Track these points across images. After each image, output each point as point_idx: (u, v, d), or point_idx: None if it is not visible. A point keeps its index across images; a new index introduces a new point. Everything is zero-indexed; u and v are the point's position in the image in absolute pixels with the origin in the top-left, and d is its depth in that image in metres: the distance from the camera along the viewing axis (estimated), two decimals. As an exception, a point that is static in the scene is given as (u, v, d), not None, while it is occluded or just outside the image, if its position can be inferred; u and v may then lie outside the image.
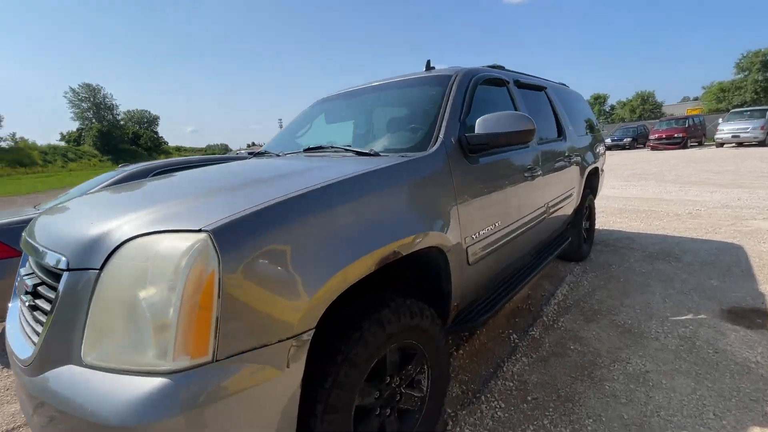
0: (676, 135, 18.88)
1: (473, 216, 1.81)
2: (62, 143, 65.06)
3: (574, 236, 3.55)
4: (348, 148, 1.85)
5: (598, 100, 56.85)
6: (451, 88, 2.01)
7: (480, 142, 1.79)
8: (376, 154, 1.71)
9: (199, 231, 0.95)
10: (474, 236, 1.81)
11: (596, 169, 3.99)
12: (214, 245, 0.93)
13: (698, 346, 2.21)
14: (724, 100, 38.89)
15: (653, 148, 19.55)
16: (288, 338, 1.00)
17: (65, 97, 68.47)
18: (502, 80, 2.46)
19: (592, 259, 3.86)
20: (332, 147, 1.96)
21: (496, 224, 2.00)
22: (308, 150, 2.07)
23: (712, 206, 5.81)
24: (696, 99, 51.65)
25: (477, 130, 1.81)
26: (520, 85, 2.71)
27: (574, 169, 3.28)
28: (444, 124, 1.82)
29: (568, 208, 3.22)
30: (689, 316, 2.56)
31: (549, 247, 2.98)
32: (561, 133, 3.19)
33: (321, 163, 1.73)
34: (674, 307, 2.70)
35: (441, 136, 1.77)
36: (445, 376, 1.67)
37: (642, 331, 2.42)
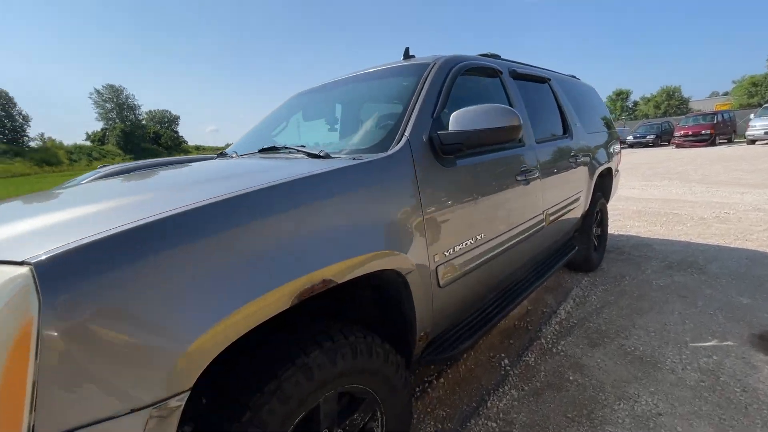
0: (703, 132, 17.90)
1: (446, 229, 1.52)
2: (88, 143, 67.42)
3: (582, 244, 3.20)
4: (299, 149, 1.59)
5: (621, 95, 54.97)
6: (426, 79, 1.72)
7: (454, 141, 1.50)
8: (327, 156, 1.45)
9: (22, 263, 0.71)
10: (447, 253, 1.53)
11: (609, 169, 3.61)
12: (35, 284, 0.68)
13: (723, 383, 1.87)
14: (756, 94, 36.91)
15: (678, 146, 18.61)
16: (145, 407, 0.75)
17: (90, 97, 70.89)
18: (493, 70, 2.16)
19: (603, 270, 3.50)
20: (285, 147, 1.70)
21: (478, 237, 1.70)
22: (263, 150, 1.82)
23: (742, 209, 5.31)
24: (726, 94, 49.24)
25: (450, 126, 1.52)
26: (516, 75, 2.40)
27: (582, 170, 2.93)
28: (411, 120, 1.53)
29: (574, 214, 2.88)
30: (713, 343, 2.20)
31: (551, 258, 2.65)
32: (566, 130, 2.85)
33: (261, 165, 1.48)
34: (695, 331, 2.34)
35: (406, 134, 1.48)
36: (405, 422, 1.40)
37: (655, 361, 2.08)
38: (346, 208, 1.16)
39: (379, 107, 1.86)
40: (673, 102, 47.42)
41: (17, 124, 57.97)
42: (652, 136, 21.78)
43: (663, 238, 4.34)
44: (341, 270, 1.09)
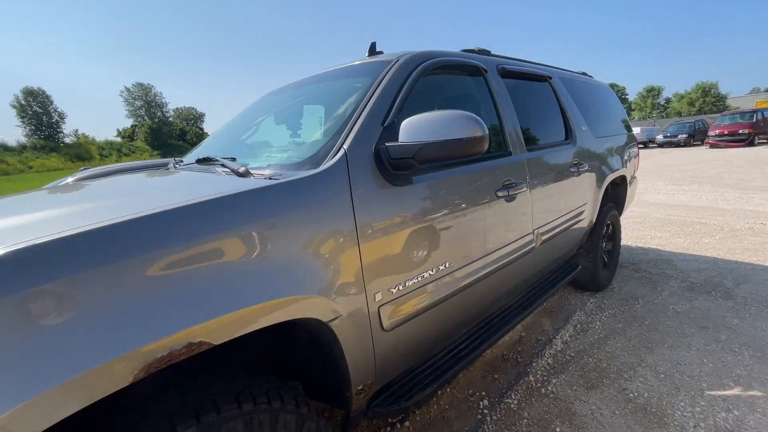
0: (740, 131, 16.71)
1: (394, 261, 1.26)
2: (118, 139, 70.08)
3: (587, 262, 2.86)
4: (225, 163, 1.36)
5: (651, 92, 52.55)
6: (383, 80, 1.46)
7: (402, 155, 1.24)
8: (246, 174, 1.21)
9: None
10: (394, 290, 1.27)
11: (623, 177, 3.24)
12: None
13: (744, 449, 1.53)
14: (802, 90, 34.41)
15: (712, 146, 17.46)
16: None
17: (121, 95, 73.62)
18: (475, 67, 1.87)
19: (613, 290, 3.14)
20: (216, 160, 1.47)
21: (441, 268, 1.43)
22: (200, 161, 1.60)
23: (780, 220, 4.77)
24: (768, 90, 46.27)
25: (400, 137, 1.26)
26: (506, 74, 2.09)
27: (587, 179, 2.59)
28: (354, 129, 1.28)
29: (576, 230, 2.55)
30: (735, 391, 1.85)
31: (545, 281, 2.34)
32: (569, 134, 2.52)
33: (159, 185, 1.27)
34: (715, 374, 1.99)
35: (345, 146, 1.23)
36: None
37: (662, 413, 1.76)
38: (239, 245, 0.91)
39: (323, 114, 1.61)
40: (708, 99, 44.95)
41: (53, 120, 60.77)
42: (684, 136, 20.58)
43: (687, 252, 3.91)
44: (217, 328, 0.85)
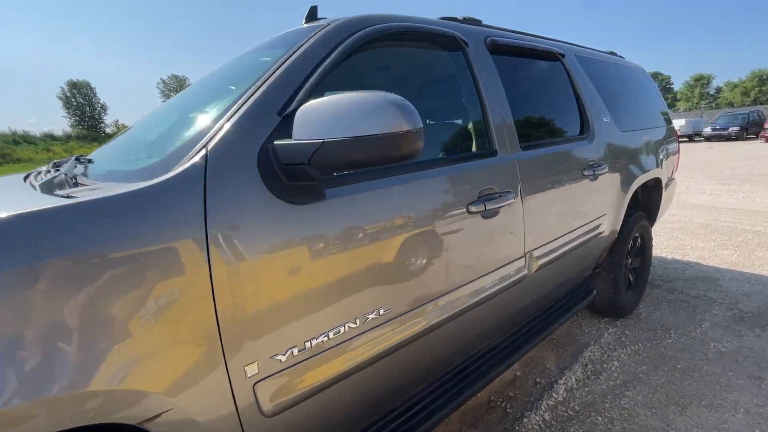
0: (803, 123, 14.99)
1: (282, 315, 0.87)
2: (155, 129, 72.90)
3: (605, 285, 2.35)
4: (57, 170, 0.99)
5: (700, 81, 48.74)
6: (296, 52, 1.04)
7: (294, 159, 0.83)
8: (61, 186, 0.84)
9: None
10: (283, 357, 0.87)
11: (657, 180, 2.66)
12: None
13: None
14: None
15: (769, 140, 15.79)
16: None
17: (157, 87, 76.45)
18: (449, 39, 1.41)
19: (639, 316, 2.59)
20: (66, 162, 1.11)
21: (370, 317, 1.02)
22: (78, 159, 1.25)
23: None
24: (837, 78, 41.70)
25: (294, 133, 0.84)
26: (499, 49, 1.61)
27: (608, 183, 2.07)
28: (231, 121, 0.87)
29: (591, 246, 2.05)
30: (802, 487, 1.34)
31: (546, 314, 1.87)
32: (585, 127, 2.01)
33: None
34: (771, 453, 1.48)
35: (209, 146, 0.83)
36: None
37: None
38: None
39: (203, 102, 1.20)
40: (766, 88, 41.14)
41: (96, 112, 64.00)
42: (735, 128, 18.76)
43: (736, 269, 3.27)
44: None
